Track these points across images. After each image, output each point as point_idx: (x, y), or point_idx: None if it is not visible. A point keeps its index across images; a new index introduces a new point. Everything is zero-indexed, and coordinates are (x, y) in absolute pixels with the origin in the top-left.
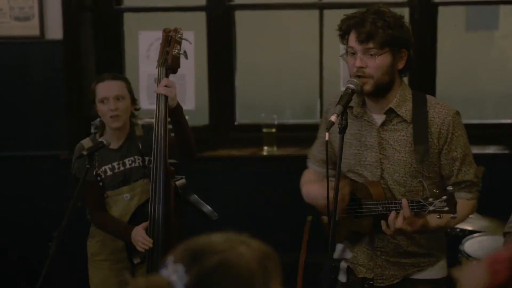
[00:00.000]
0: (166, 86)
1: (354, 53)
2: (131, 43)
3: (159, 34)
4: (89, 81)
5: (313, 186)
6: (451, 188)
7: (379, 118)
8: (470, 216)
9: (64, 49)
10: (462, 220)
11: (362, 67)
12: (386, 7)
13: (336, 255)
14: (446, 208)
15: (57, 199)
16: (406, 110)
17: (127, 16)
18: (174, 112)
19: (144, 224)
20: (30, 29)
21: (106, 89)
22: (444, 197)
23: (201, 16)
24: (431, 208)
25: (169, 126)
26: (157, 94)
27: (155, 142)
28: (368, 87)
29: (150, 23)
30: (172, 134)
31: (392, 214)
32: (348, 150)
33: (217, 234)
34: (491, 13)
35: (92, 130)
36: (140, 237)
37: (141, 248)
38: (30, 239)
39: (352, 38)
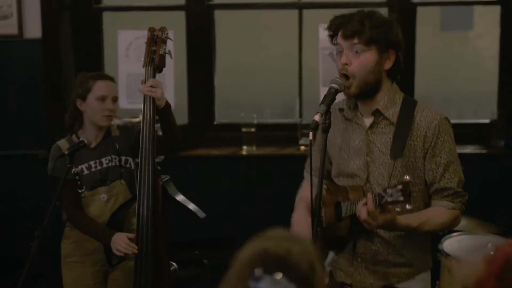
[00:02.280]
0: (151, 86)
1: (341, 51)
2: (110, 42)
3: (138, 33)
4: (68, 80)
5: (297, 229)
6: (407, 178)
7: (368, 121)
8: (456, 226)
9: (43, 48)
10: (439, 227)
11: (346, 64)
12: (376, 11)
13: (327, 262)
14: (401, 198)
15: (36, 198)
16: (393, 112)
17: (106, 15)
18: (163, 111)
19: (130, 234)
20: (9, 28)
21: (107, 88)
22: (399, 187)
23: (181, 15)
24: (387, 198)
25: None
26: (144, 95)
27: (143, 143)
28: (352, 89)
29: (130, 22)
30: (159, 132)
31: (359, 204)
32: (338, 155)
33: (273, 234)
34: (466, 14)
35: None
36: (122, 242)
37: (120, 253)
38: (9, 238)
39: (340, 36)
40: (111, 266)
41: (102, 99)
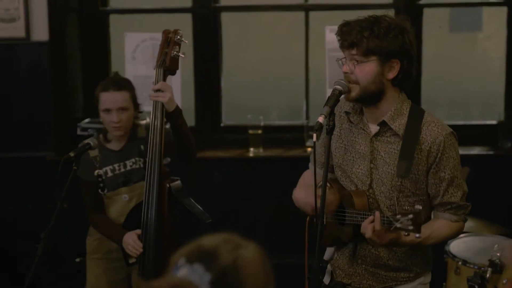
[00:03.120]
0: (159, 90)
1: (344, 58)
2: (117, 45)
3: (145, 36)
4: (75, 82)
5: (301, 194)
6: (419, 207)
7: (373, 128)
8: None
9: (50, 50)
10: (442, 240)
11: (347, 73)
12: (389, 16)
13: (326, 256)
14: (411, 227)
15: (43, 200)
16: (400, 124)
17: (113, 18)
18: (172, 116)
19: (138, 231)
20: (16, 30)
21: (110, 101)
22: (410, 216)
23: (187, 17)
24: (397, 225)
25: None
26: (151, 121)
27: (150, 147)
28: (353, 94)
29: (136, 25)
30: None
31: (366, 220)
32: (343, 156)
33: (216, 236)
34: (475, 15)
35: (78, 132)
36: (131, 241)
37: (131, 252)
38: (16, 240)
39: (340, 45)
40: (128, 265)
41: (107, 111)
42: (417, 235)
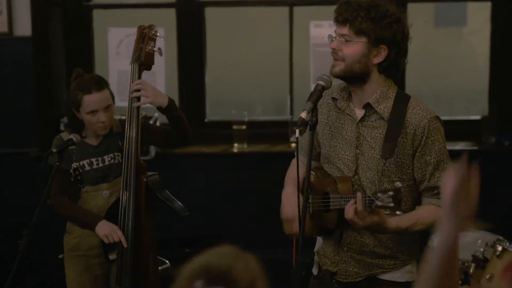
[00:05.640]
0: (136, 90)
1: (335, 36)
2: (101, 40)
3: (129, 31)
4: (59, 77)
5: (290, 205)
6: (399, 184)
7: (359, 113)
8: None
9: (33, 45)
10: (430, 225)
11: (335, 49)
12: (388, 3)
13: (316, 248)
14: (392, 204)
15: (27, 196)
16: (385, 107)
17: (96, 13)
18: (168, 109)
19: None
20: None
21: (95, 102)
22: (390, 193)
23: (171, 12)
24: (378, 202)
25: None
26: (128, 107)
27: (127, 141)
28: (337, 69)
29: (120, 20)
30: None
31: (348, 204)
32: (329, 142)
33: (219, 251)
34: (459, 10)
35: (62, 128)
36: (108, 226)
37: (107, 240)
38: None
39: (334, 20)
40: (108, 261)
41: (93, 112)
42: (398, 212)
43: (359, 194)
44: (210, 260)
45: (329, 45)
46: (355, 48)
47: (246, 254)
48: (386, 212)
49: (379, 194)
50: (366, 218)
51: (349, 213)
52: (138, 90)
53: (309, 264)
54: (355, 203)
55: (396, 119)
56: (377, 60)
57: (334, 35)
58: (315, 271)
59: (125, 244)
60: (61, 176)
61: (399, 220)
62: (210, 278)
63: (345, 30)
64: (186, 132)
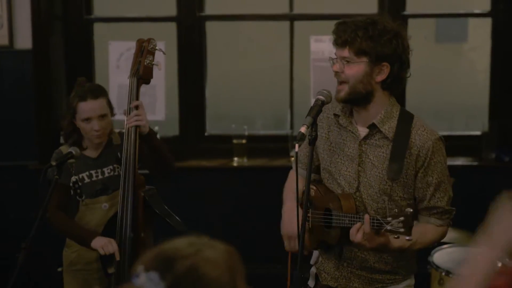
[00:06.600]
0: (136, 115)
1: (336, 58)
2: (101, 53)
3: (129, 44)
4: (59, 90)
5: (287, 222)
6: (410, 210)
7: (362, 131)
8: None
9: (34, 58)
10: (428, 244)
11: (338, 72)
12: (384, 19)
13: (312, 260)
14: (402, 229)
15: (26, 209)
16: (389, 127)
17: (97, 26)
18: (146, 138)
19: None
20: None
21: (89, 109)
22: (401, 218)
23: (172, 26)
24: (388, 227)
25: None
26: (126, 130)
27: (125, 155)
28: (342, 93)
29: (121, 33)
30: None
31: (354, 226)
32: (331, 158)
33: (181, 239)
34: (460, 26)
35: (61, 141)
36: (105, 240)
37: (103, 251)
38: None
39: (333, 43)
40: (107, 275)
41: (87, 120)
42: (408, 237)
43: (367, 216)
44: (164, 246)
45: (329, 63)
46: (357, 69)
47: (212, 243)
48: (395, 236)
49: (389, 219)
50: (373, 240)
51: (357, 238)
52: (137, 107)
53: (306, 279)
54: (361, 225)
55: (401, 138)
56: (380, 78)
57: (334, 56)
58: (311, 283)
59: (117, 257)
60: (59, 191)
61: (401, 241)
62: (151, 263)
63: (346, 52)
64: (165, 163)
